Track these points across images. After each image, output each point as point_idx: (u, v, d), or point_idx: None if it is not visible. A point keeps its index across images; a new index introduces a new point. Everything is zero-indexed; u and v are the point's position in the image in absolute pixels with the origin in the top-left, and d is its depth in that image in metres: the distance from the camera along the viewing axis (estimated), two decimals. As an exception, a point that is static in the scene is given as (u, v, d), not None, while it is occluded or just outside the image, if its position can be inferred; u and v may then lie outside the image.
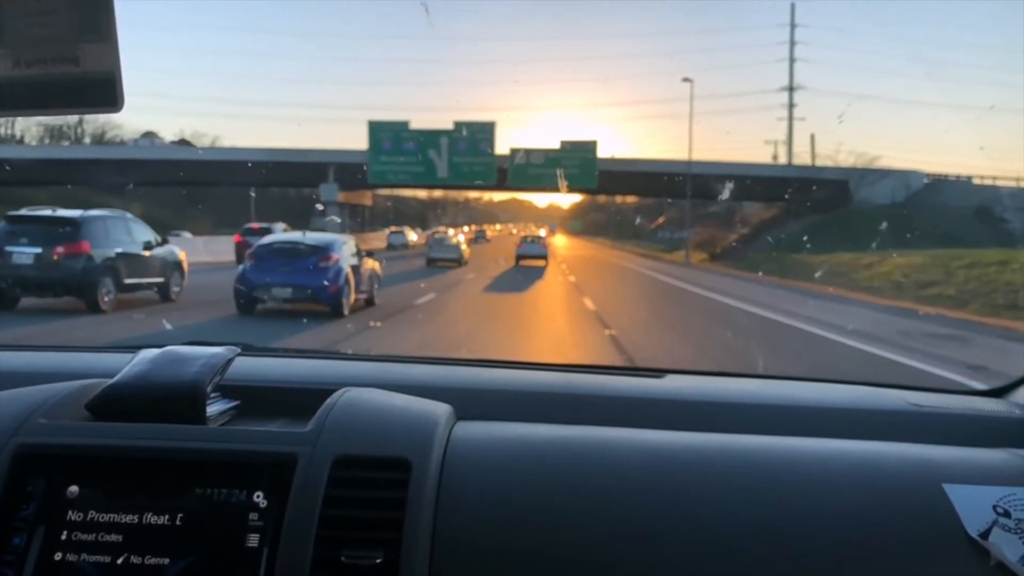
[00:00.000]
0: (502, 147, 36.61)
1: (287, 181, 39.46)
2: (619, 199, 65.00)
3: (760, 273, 26.03)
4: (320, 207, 36.35)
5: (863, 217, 33.71)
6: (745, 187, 37.37)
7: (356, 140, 40.98)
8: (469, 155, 35.97)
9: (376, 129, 36.27)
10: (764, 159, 44.46)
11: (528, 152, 36.18)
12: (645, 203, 60.52)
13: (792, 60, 45.27)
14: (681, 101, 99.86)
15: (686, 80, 36.68)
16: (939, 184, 36.09)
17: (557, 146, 36.29)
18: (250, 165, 35.11)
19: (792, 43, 44.60)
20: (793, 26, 44.62)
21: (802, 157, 43.97)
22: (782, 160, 42.79)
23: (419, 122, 39.02)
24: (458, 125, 36.40)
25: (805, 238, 32.69)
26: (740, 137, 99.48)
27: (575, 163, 35.85)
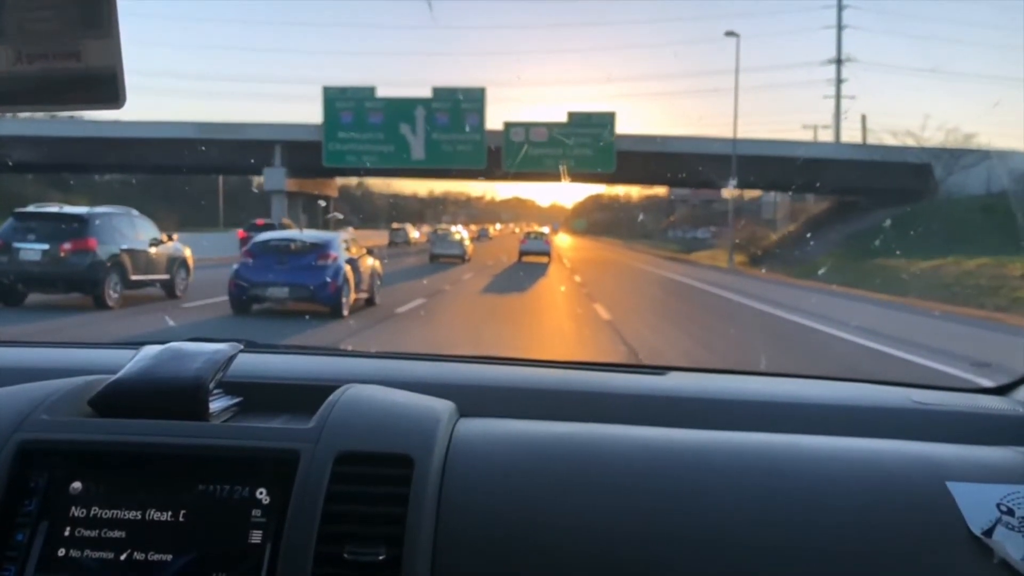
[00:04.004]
0: (493, 123, 28.86)
1: (222, 165, 31.38)
2: (624, 195, 59.12)
3: (846, 285, 18.26)
4: (323, 202, 33.57)
5: (956, 210, 26.15)
6: (792, 173, 29.99)
7: (310, 116, 32.65)
8: (452, 130, 28.37)
9: (333, 97, 28.61)
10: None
11: (528, 128, 28.64)
12: (653, 201, 57.63)
13: (840, 27, 38.03)
14: (702, 76, 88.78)
15: (730, 34, 28.96)
16: (1051, 168, 28.46)
17: (564, 119, 28.61)
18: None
19: (840, 7, 37.33)
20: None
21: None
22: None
23: (389, 90, 31.04)
24: (438, 92, 28.70)
25: (880, 238, 25.76)
26: (775, 119, 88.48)
27: (587, 141, 28.29)
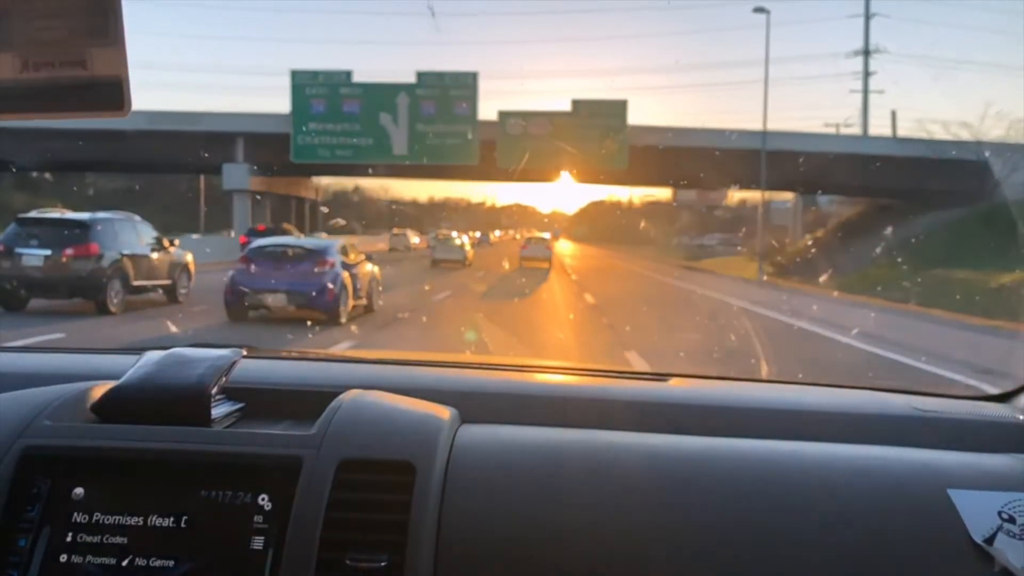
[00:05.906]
0: (487, 116, 25.15)
1: (177, 162, 27.47)
2: (627, 202, 56.67)
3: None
4: (325, 208, 32.57)
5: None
6: (817, 172, 26.64)
7: (279, 109, 28.63)
8: (440, 121, 24.68)
9: (303, 82, 24.90)
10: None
11: (526, 118, 24.92)
12: (656, 207, 54.96)
13: (868, 15, 34.73)
14: (715, 69, 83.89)
15: (759, 11, 25.26)
16: None
17: (567, 108, 24.93)
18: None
19: (868, -6, 33.99)
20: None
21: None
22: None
23: (367, 75, 27.29)
24: (423, 77, 25.00)
25: (937, 244, 22.39)
26: (794, 115, 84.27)
27: (595, 133, 24.58)
